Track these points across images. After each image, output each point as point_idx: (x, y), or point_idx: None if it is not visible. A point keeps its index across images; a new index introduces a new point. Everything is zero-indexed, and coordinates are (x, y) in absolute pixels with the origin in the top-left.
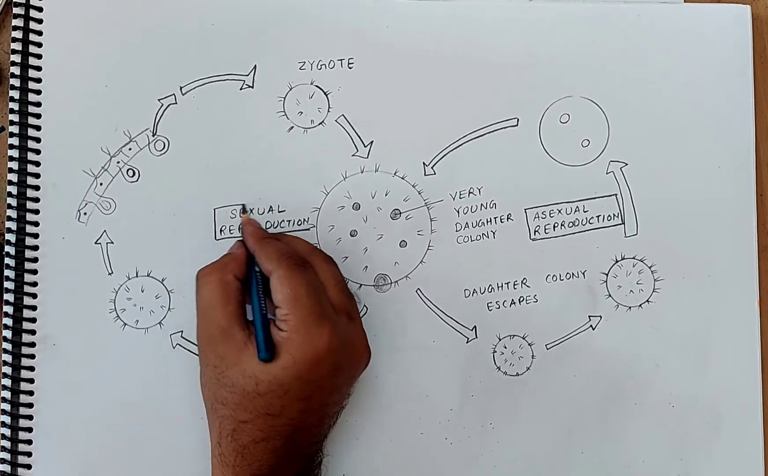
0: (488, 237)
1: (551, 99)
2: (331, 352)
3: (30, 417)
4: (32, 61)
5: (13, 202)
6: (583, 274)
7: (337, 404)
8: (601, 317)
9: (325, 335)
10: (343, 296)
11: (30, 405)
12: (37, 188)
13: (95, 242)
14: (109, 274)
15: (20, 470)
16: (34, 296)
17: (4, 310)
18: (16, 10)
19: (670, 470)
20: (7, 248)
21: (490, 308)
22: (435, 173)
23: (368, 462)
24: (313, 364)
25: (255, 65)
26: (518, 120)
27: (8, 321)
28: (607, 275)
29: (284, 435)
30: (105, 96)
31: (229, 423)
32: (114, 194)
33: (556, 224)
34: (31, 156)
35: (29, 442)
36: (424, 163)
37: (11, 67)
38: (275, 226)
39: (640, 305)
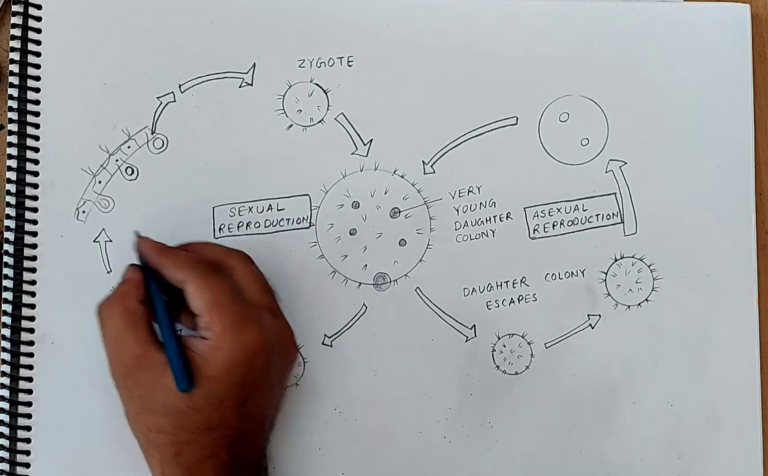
0: (487, 236)
1: (550, 98)
2: (262, 350)
3: (29, 416)
4: (31, 59)
5: (12, 200)
6: (582, 273)
7: (273, 406)
8: (600, 316)
9: (252, 334)
10: (263, 294)
11: (29, 404)
12: (35, 186)
13: (94, 241)
14: (108, 272)
15: (19, 469)
16: (33, 294)
17: (2, 308)
18: (15, 8)
19: (669, 468)
20: (5, 247)
21: (489, 307)
22: (434, 172)
23: (367, 461)
24: (246, 367)
25: (254, 63)
26: (517, 119)
27: (7, 320)
28: (606, 274)
29: (227, 446)
30: (104, 94)
31: (170, 448)
32: (113, 193)
33: (555, 223)
34: (29, 154)
35: (28, 441)
36: (423, 161)
37: (10, 66)
38: (275, 224)
39: (639, 304)
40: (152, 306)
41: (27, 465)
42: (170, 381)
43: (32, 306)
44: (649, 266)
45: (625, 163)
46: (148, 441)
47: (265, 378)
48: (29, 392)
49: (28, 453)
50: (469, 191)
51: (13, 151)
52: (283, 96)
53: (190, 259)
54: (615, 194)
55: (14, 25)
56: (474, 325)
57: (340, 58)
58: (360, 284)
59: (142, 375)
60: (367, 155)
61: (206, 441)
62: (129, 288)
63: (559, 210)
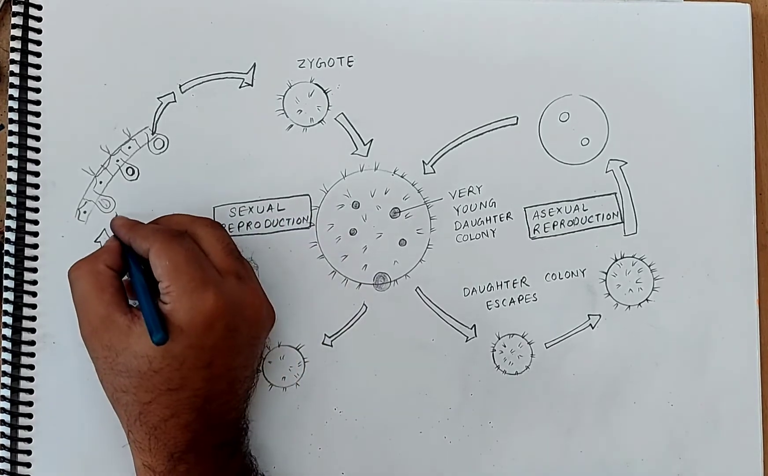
0: (488, 236)
1: (551, 98)
2: (219, 314)
3: (30, 416)
4: (31, 59)
5: (13, 200)
6: (583, 273)
7: (246, 367)
8: (600, 316)
9: (209, 299)
10: (229, 259)
11: (30, 403)
12: (36, 186)
13: (95, 241)
14: None
15: (20, 469)
16: (34, 294)
17: (3, 308)
18: (15, 9)
19: (669, 468)
20: (6, 247)
21: (489, 307)
22: (434, 172)
23: (367, 461)
24: (203, 329)
25: (254, 63)
26: (518, 119)
27: (8, 320)
28: (606, 273)
29: (194, 407)
30: (104, 94)
31: (134, 408)
32: (113, 193)
33: (555, 223)
34: (30, 155)
35: (29, 441)
36: (423, 161)
37: (10, 66)
38: (275, 224)
39: (640, 304)
40: (131, 278)
41: (28, 465)
42: (133, 342)
43: (33, 306)
44: (649, 266)
45: (625, 163)
46: (115, 400)
47: (228, 341)
48: (30, 392)
49: (29, 453)
50: (469, 191)
51: (14, 151)
52: (283, 96)
53: (154, 229)
54: (615, 194)
55: (14, 26)
56: (474, 325)
57: (340, 58)
58: (360, 284)
59: (105, 336)
60: (367, 155)
61: (168, 401)
62: (100, 253)
63: (559, 210)
